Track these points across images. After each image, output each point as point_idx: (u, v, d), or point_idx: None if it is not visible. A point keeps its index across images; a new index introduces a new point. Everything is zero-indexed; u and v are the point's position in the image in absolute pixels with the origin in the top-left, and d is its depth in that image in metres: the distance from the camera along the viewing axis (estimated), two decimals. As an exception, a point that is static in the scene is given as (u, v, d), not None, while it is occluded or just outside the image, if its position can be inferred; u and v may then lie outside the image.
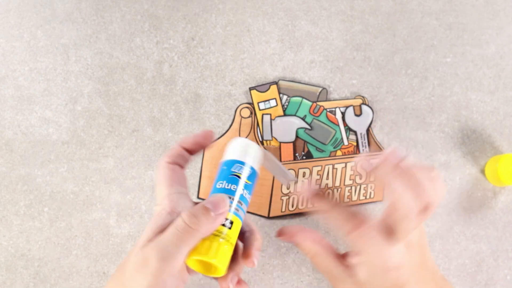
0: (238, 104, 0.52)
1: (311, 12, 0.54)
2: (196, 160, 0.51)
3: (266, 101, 0.52)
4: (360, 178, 0.53)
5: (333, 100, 0.53)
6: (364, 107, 0.53)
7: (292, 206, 0.51)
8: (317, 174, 0.52)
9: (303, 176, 0.52)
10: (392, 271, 0.34)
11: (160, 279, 0.32)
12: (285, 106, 0.52)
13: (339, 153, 0.52)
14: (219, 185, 0.35)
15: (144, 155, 0.51)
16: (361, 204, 0.52)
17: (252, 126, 0.52)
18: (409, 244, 0.35)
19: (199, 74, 0.52)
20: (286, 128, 0.52)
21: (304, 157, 0.52)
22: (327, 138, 0.52)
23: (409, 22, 0.55)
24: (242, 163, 0.36)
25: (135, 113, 0.52)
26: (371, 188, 0.53)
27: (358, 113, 0.53)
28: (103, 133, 0.51)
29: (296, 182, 0.45)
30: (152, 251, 0.32)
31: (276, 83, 0.52)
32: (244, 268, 0.50)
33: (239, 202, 0.35)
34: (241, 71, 0.53)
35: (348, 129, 0.53)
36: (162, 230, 0.33)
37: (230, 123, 0.52)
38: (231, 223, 0.34)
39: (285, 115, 0.52)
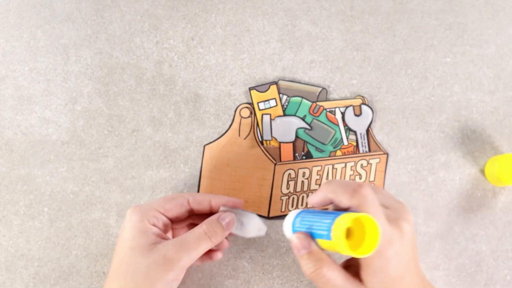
0: (238, 104, 0.52)
1: (311, 12, 0.54)
2: (196, 160, 0.51)
3: (266, 101, 0.52)
4: (360, 178, 0.53)
5: (333, 100, 0.53)
6: (364, 107, 0.53)
7: (292, 206, 0.51)
8: (317, 174, 0.52)
9: (303, 176, 0.52)
10: (394, 258, 0.34)
11: (181, 270, 0.39)
12: (285, 106, 0.52)
13: (339, 153, 0.52)
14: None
15: (144, 155, 0.51)
16: (361, 204, 0.52)
17: (252, 126, 0.52)
18: (403, 233, 0.35)
19: (199, 74, 0.52)
20: (286, 128, 0.52)
21: (304, 157, 0.52)
22: (327, 138, 0.52)
23: (409, 22, 0.55)
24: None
25: (135, 113, 0.52)
26: (371, 188, 0.53)
27: (358, 113, 0.53)
28: (103, 133, 0.51)
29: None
30: (173, 249, 0.39)
31: (276, 83, 0.52)
32: (244, 268, 0.50)
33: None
34: (241, 71, 0.53)
35: (348, 129, 0.53)
36: (155, 241, 0.40)
37: (230, 123, 0.52)
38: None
39: (284, 115, 0.52)
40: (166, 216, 0.43)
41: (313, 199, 0.38)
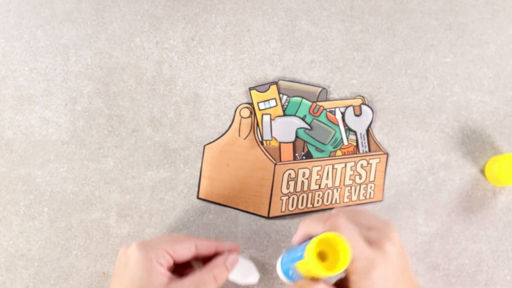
0: (238, 104, 0.52)
1: (311, 12, 0.54)
2: (196, 160, 0.51)
3: (266, 101, 0.52)
4: (360, 178, 0.53)
5: (333, 100, 0.53)
6: (364, 107, 0.53)
7: (292, 206, 0.52)
8: (317, 174, 0.52)
9: (303, 176, 0.52)
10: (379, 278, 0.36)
11: None
12: (285, 106, 0.52)
13: (339, 153, 0.52)
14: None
15: (144, 155, 0.51)
16: (361, 204, 0.52)
17: (252, 126, 0.52)
18: (387, 254, 0.36)
19: (199, 74, 0.52)
20: (286, 128, 0.52)
21: (304, 157, 0.52)
22: (327, 138, 0.53)
23: (409, 22, 0.55)
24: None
25: (135, 113, 0.52)
26: (371, 188, 0.53)
27: (358, 113, 0.53)
28: (103, 133, 0.51)
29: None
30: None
31: (276, 83, 0.52)
32: (244, 268, 0.50)
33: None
34: (241, 71, 0.53)
35: (348, 129, 0.53)
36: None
37: (230, 123, 0.52)
38: None
39: (285, 115, 0.52)
40: (172, 257, 0.42)
41: (295, 239, 0.40)
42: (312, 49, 0.54)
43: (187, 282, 0.40)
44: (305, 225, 0.39)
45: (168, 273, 0.40)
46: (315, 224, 0.38)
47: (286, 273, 0.40)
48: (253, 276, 0.45)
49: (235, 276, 0.44)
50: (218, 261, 0.43)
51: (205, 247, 0.44)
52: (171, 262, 0.42)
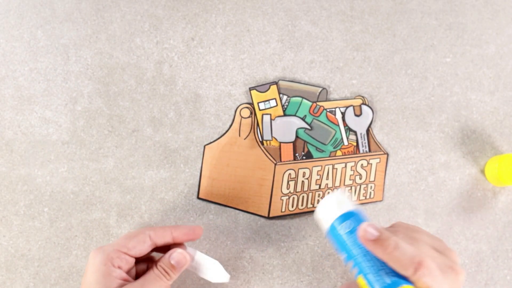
0: (238, 104, 0.52)
1: (311, 12, 0.54)
2: (196, 160, 0.51)
3: (266, 101, 0.52)
4: (360, 178, 0.53)
5: (333, 100, 0.53)
6: (364, 107, 0.53)
7: (292, 206, 0.52)
8: (317, 174, 0.52)
9: (303, 176, 0.52)
10: None
11: None
12: (285, 106, 0.52)
13: (339, 153, 0.52)
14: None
15: (144, 155, 0.51)
16: (360, 204, 0.52)
17: (252, 126, 0.52)
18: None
19: (199, 74, 0.53)
20: (286, 128, 0.52)
21: (304, 157, 0.52)
22: (327, 138, 0.53)
23: (409, 22, 0.55)
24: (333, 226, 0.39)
25: (135, 113, 0.52)
26: (371, 188, 0.53)
27: (358, 113, 0.53)
28: (103, 133, 0.51)
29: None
30: None
31: (276, 83, 0.52)
32: (243, 268, 0.50)
33: (356, 259, 0.37)
34: (241, 71, 0.53)
35: (348, 129, 0.53)
36: None
37: (230, 123, 0.52)
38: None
39: (285, 115, 0.52)
40: (130, 255, 0.42)
41: (373, 233, 0.37)
42: (312, 49, 0.54)
43: (136, 284, 0.41)
44: (391, 253, 0.36)
45: (123, 275, 0.41)
46: (401, 263, 0.35)
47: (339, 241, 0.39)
48: (224, 277, 0.45)
49: (200, 271, 0.45)
50: (163, 258, 0.43)
51: (160, 236, 0.44)
52: (131, 261, 0.43)
